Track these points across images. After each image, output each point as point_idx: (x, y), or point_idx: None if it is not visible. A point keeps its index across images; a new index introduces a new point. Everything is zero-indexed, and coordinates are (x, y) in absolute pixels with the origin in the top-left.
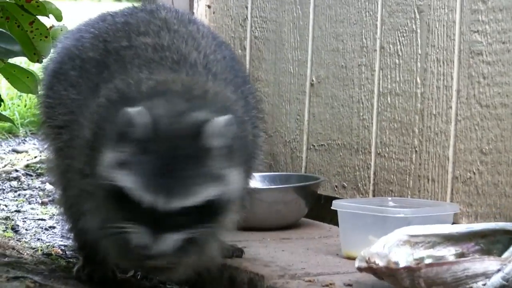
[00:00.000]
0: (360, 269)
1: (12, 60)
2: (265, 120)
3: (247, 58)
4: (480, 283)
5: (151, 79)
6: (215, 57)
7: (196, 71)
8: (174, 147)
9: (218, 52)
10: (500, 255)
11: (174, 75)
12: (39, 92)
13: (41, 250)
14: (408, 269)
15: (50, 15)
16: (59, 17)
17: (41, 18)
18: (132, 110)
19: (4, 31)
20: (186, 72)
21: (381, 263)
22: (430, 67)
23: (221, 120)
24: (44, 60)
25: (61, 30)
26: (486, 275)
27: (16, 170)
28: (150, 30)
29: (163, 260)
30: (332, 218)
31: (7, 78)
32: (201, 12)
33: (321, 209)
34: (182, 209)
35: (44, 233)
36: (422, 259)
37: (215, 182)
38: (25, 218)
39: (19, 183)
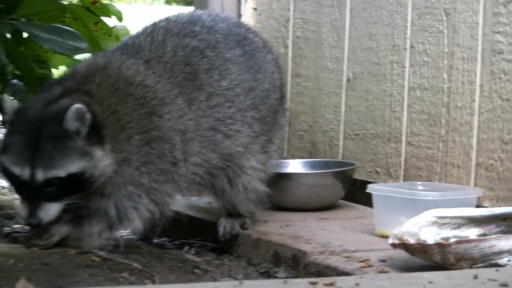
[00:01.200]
0: (393, 246)
1: (78, 57)
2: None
3: (289, 55)
4: (505, 259)
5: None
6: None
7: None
8: (39, 128)
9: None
10: None
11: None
12: None
13: None
14: (439, 245)
15: (113, 16)
16: (120, 18)
17: (105, 19)
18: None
19: (72, 30)
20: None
21: (411, 241)
22: (456, 64)
23: (76, 107)
24: None
25: (122, 30)
26: (511, 252)
27: None
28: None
29: (42, 227)
30: (366, 200)
31: None
32: (247, 14)
33: (356, 192)
34: (46, 180)
35: None
36: (448, 238)
37: (78, 158)
38: None
39: None
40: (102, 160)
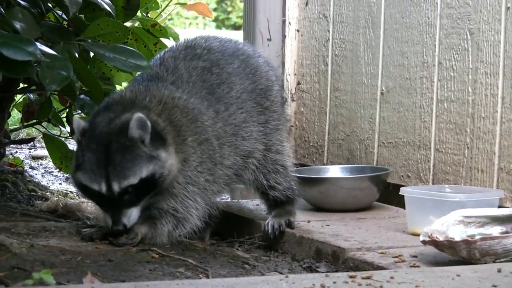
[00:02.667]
0: (424, 243)
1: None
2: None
3: (329, 72)
4: None
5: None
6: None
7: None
8: (108, 142)
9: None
10: None
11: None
12: None
13: None
14: (465, 241)
15: (170, 38)
16: (177, 39)
17: (163, 40)
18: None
19: (134, 49)
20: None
21: (440, 238)
22: (479, 79)
23: (137, 116)
24: None
25: None
26: None
27: None
28: None
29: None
30: (398, 202)
31: None
32: (291, 36)
33: (389, 195)
34: (122, 190)
35: None
36: (473, 236)
37: (147, 163)
38: None
39: None
40: (168, 160)
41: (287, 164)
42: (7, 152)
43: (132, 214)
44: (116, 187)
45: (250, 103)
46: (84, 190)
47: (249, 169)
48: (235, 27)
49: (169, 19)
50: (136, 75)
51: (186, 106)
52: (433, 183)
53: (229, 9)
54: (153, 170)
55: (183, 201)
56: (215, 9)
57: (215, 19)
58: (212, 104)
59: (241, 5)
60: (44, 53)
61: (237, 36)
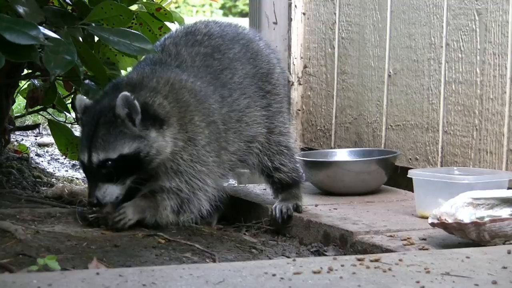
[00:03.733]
0: (433, 225)
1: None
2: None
3: (336, 55)
4: None
5: None
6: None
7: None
8: (98, 118)
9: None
10: None
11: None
12: None
13: None
14: (475, 223)
15: (175, 22)
16: (182, 24)
17: (168, 24)
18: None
19: (139, 33)
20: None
21: (449, 220)
22: (488, 60)
23: (122, 95)
24: None
25: None
26: None
27: None
28: None
29: (104, 207)
30: (407, 185)
31: None
32: (297, 19)
33: (398, 178)
34: (100, 162)
35: None
36: (482, 218)
37: (131, 141)
38: None
39: None
40: (157, 141)
41: (291, 146)
42: (12, 139)
43: (108, 190)
44: (95, 158)
45: (252, 88)
46: (79, 163)
47: (253, 154)
48: (242, 14)
49: (176, 7)
50: (140, 60)
51: (193, 88)
52: (441, 166)
53: None
54: (137, 149)
55: (189, 180)
56: None
57: (222, 7)
58: (216, 89)
59: None
60: (47, 37)
61: (244, 23)
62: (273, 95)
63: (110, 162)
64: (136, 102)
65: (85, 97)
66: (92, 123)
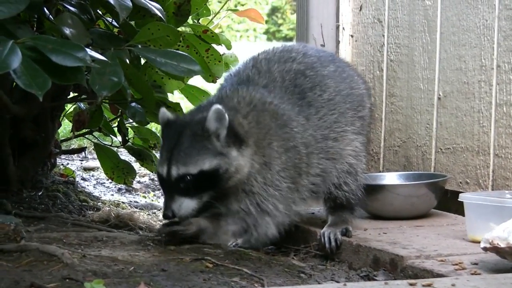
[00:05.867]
0: (485, 249)
1: (190, 82)
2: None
3: (384, 77)
4: None
5: None
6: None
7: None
8: (182, 131)
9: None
10: None
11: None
12: None
13: None
14: None
15: (222, 44)
16: (229, 46)
17: (215, 47)
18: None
19: (185, 54)
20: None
21: (502, 244)
22: None
23: (215, 107)
24: None
25: (231, 57)
26: None
27: None
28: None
29: (180, 221)
30: (457, 209)
31: (186, 97)
32: (345, 41)
33: (448, 202)
34: (179, 177)
35: None
36: None
37: (212, 157)
38: None
39: None
40: (237, 160)
41: (359, 169)
42: (58, 163)
43: (184, 203)
44: (174, 172)
45: (344, 105)
46: (157, 177)
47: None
48: (286, 39)
49: (220, 32)
50: (221, 83)
51: (276, 111)
52: (492, 189)
53: (280, 21)
54: (217, 165)
55: (260, 203)
56: (266, 22)
57: (266, 32)
58: (302, 110)
59: (292, 17)
60: (94, 59)
61: None
62: (362, 120)
63: (189, 177)
64: (226, 116)
65: (167, 112)
66: (174, 136)
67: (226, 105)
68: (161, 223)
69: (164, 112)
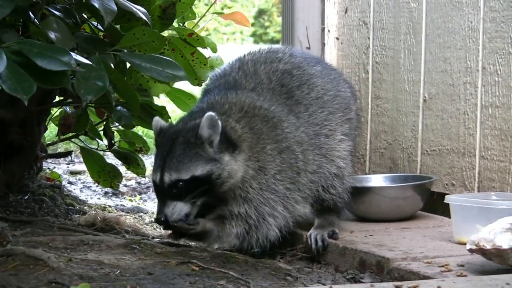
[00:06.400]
0: (471, 251)
1: (176, 85)
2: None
3: (370, 80)
4: None
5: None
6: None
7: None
8: (175, 138)
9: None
10: None
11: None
12: None
13: None
14: None
15: (208, 47)
16: (214, 49)
17: (201, 50)
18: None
19: (171, 59)
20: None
21: (488, 246)
22: None
23: (208, 114)
24: None
25: (217, 60)
26: None
27: None
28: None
29: (175, 225)
30: (443, 211)
31: (172, 100)
32: (331, 44)
33: (434, 204)
34: (172, 183)
35: None
36: None
37: (205, 163)
38: None
39: None
40: (230, 165)
41: (346, 173)
42: (44, 167)
43: (176, 207)
44: (167, 178)
45: (333, 105)
46: (152, 183)
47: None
48: (273, 41)
49: (207, 35)
50: (206, 84)
51: (266, 115)
52: (478, 191)
53: (267, 23)
54: (210, 171)
55: (257, 207)
56: (252, 24)
57: (253, 34)
58: (291, 109)
59: (278, 19)
60: (79, 63)
61: None
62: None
63: (181, 183)
64: (219, 123)
65: (161, 120)
66: (167, 144)
67: (217, 111)
68: (147, 226)
69: (157, 120)
